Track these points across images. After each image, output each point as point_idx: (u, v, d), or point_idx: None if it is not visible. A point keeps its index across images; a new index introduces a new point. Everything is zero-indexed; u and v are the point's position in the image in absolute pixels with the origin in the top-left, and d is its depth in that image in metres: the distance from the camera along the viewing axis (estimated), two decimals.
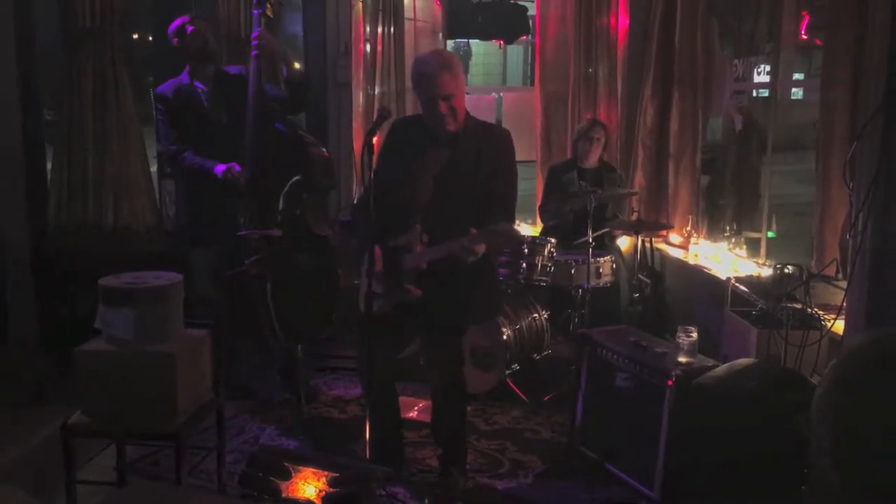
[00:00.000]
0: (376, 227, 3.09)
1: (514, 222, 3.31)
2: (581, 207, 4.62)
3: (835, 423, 1.08)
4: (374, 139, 3.04)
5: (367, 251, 3.12)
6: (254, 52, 3.98)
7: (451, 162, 3.18)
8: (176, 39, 4.15)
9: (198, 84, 4.17)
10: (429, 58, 3.25)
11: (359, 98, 5.77)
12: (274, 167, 4.08)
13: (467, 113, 3.23)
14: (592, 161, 5.16)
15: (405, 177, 3.12)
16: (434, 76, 3.10)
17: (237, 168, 3.98)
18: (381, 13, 5.70)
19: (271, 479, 3.40)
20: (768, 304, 3.74)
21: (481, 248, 2.99)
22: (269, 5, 4.03)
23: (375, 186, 3.27)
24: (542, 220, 5.51)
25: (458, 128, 3.15)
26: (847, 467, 1.06)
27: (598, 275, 4.67)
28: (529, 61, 16.83)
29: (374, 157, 3.07)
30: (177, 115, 4.16)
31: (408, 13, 5.94)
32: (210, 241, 4.21)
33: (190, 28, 4.10)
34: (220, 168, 4.01)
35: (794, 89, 11.58)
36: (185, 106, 4.14)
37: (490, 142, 3.23)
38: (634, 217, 5.33)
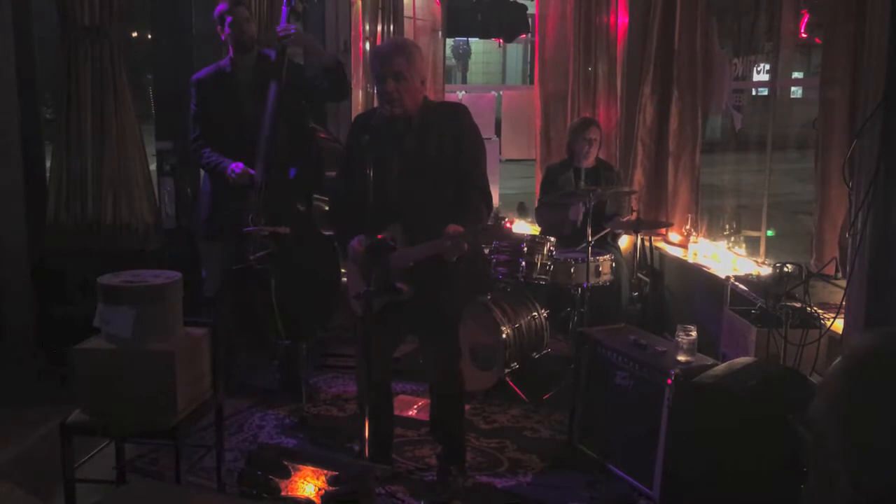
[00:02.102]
0: (355, 225, 3.10)
1: (489, 195, 3.24)
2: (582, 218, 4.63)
3: (845, 424, 1.07)
4: None
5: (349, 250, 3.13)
6: (281, 41, 3.95)
7: (417, 148, 3.14)
8: (218, 27, 4.12)
9: (238, 73, 4.13)
10: (386, 41, 3.27)
11: (358, 97, 5.76)
12: (287, 164, 4.06)
13: (426, 98, 3.21)
14: (590, 161, 5.15)
15: (375, 169, 3.07)
16: (386, 55, 3.10)
17: (250, 171, 3.98)
18: (380, 11, 5.69)
19: (270, 477, 3.41)
20: (767, 303, 3.74)
21: (465, 246, 2.98)
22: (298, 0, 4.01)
23: (346, 183, 3.27)
24: (538, 223, 5.50)
25: (406, 112, 3.11)
26: (859, 470, 1.05)
27: (598, 273, 4.67)
28: (529, 60, 16.84)
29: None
30: (210, 103, 4.13)
31: (407, 12, 5.93)
32: (225, 236, 4.17)
33: (229, 18, 4.07)
34: (232, 167, 4.00)
35: (793, 88, 11.58)
36: (222, 95, 4.11)
37: (447, 119, 3.19)
38: (634, 216, 5.33)
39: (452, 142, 3.14)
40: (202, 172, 4.43)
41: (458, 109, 3.29)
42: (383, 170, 3.12)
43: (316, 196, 4.19)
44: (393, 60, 3.05)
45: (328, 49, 5.51)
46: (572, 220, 4.95)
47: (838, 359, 1.16)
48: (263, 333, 4.10)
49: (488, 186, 3.25)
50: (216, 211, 4.17)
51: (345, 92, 4.28)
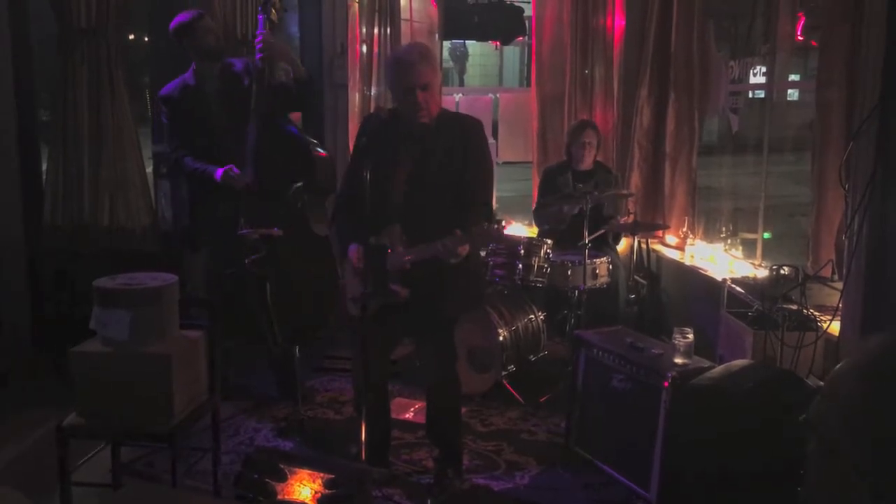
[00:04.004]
0: (354, 226, 3.10)
1: (492, 211, 3.28)
2: (577, 212, 4.62)
3: (865, 433, 1.01)
4: None
5: (347, 251, 3.13)
6: (258, 55, 3.95)
7: (424, 155, 3.16)
8: (183, 38, 4.09)
9: (204, 83, 4.13)
10: (408, 48, 3.29)
11: (355, 99, 5.76)
12: (276, 168, 4.06)
13: (440, 107, 3.23)
14: (587, 163, 5.16)
15: (378, 172, 3.07)
16: (414, 65, 3.09)
17: (235, 170, 3.97)
18: (377, 14, 5.69)
19: (267, 480, 3.39)
20: (764, 306, 3.74)
21: (464, 250, 2.99)
22: (273, 10, 4.00)
23: (350, 184, 3.27)
24: (536, 224, 5.50)
25: (431, 120, 3.13)
26: (880, 481, 0.99)
27: (595, 276, 4.67)
28: (526, 62, 16.85)
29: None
30: (181, 117, 4.13)
31: (404, 14, 5.93)
32: (208, 243, 4.19)
33: (198, 26, 4.06)
34: (218, 172, 4.00)
35: (789, 90, 11.61)
36: (190, 108, 4.11)
37: (461, 132, 3.20)
38: (631, 218, 5.33)
39: (461, 157, 3.16)
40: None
41: (472, 124, 3.28)
42: (386, 173, 3.12)
43: (308, 198, 4.18)
44: (421, 71, 3.06)
45: (325, 52, 5.52)
46: (566, 212, 4.95)
47: (845, 361, 1.11)
48: (260, 337, 4.09)
49: (491, 202, 3.28)
50: (195, 219, 4.20)
51: (309, 105, 4.36)
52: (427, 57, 3.14)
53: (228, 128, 4.06)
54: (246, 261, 3.90)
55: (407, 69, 3.10)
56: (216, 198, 4.05)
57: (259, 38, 3.93)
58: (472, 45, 17.42)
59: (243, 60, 4.23)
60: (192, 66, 4.16)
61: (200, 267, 4.24)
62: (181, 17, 4.09)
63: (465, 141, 3.18)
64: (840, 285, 3.48)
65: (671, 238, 5.52)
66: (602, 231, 4.89)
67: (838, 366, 1.11)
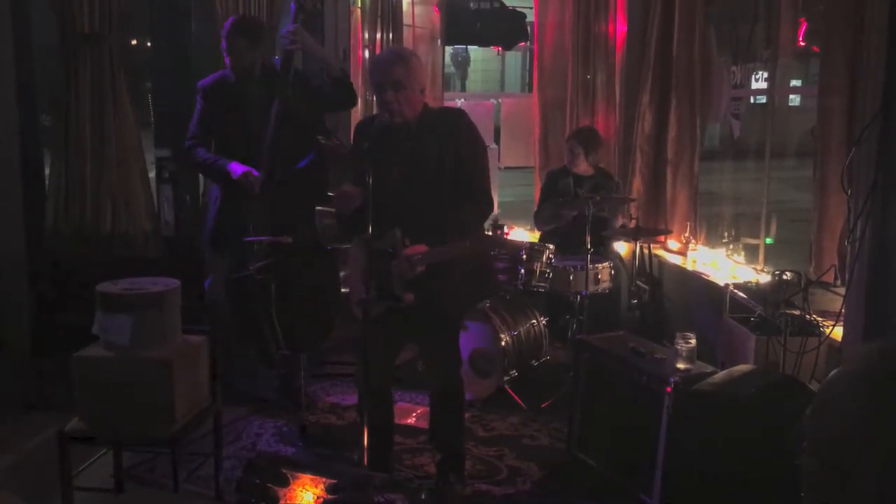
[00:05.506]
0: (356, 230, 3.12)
1: (491, 201, 3.26)
2: (578, 214, 4.63)
3: (872, 437, 0.98)
4: None
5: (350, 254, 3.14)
6: (286, 47, 3.89)
7: (414, 155, 3.15)
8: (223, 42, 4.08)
9: (244, 83, 4.08)
10: (386, 50, 3.28)
11: (357, 104, 5.77)
12: (289, 174, 4.04)
13: (426, 105, 3.21)
14: (581, 169, 5.16)
15: (378, 175, 3.05)
16: (385, 63, 3.12)
17: (255, 173, 3.95)
18: (379, 19, 5.71)
19: (269, 485, 3.39)
20: (767, 311, 3.74)
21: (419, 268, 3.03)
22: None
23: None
24: (537, 226, 5.51)
25: (404, 120, 3.11)
26: (888, 484, 0.97)
27: (597, 281, 4.67)
28: (528, 67, 16.87)
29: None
30: (210, 110, 4.10)
31: (406, 20, 5.95)
32: (229, 244, 4.15)
33: (224, 45, 4.02)
34: (236, 168, 3.99)
35: (791, 96, 11.60)
36: (225, 105, 4.08)
37: (446, 125, 3.19)
38: (633, 223, 5.33)
39: (452, 147, 3.14)
40: (201, 178, 4.35)
41: (457, 114, 3.30)
42: (383, 176, 3.12)
43: (320, 208, 4.17)
44: (392, 70, 3.06)
45: None
46: (564, 215, 4.95)
47: (838, 370, 1.09)
48: (264, 342, 4.09)
49: (489, 188, 3.25)
50: (223, 219, 4.15)
51: (352, 101, 4.21)
52: (402, 58, 3.14)
53: (263, 129, 3.99)
54: (251, 267, 3.90)
55: (379, 67, 3.14)
56: (239, 201, 4.03)
57: (289, 29, 3.85)
58: (473, 50, 17.47)
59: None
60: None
61: (222, 270, 4.19)
62: (226, 23, 4.06)
63: (454, 132, 3.16)
64: (843, 290, 3.48)
65: (673, 243, 5.52)
66: (605, 234, 4.88)
67: (831, 374, 1.08)
